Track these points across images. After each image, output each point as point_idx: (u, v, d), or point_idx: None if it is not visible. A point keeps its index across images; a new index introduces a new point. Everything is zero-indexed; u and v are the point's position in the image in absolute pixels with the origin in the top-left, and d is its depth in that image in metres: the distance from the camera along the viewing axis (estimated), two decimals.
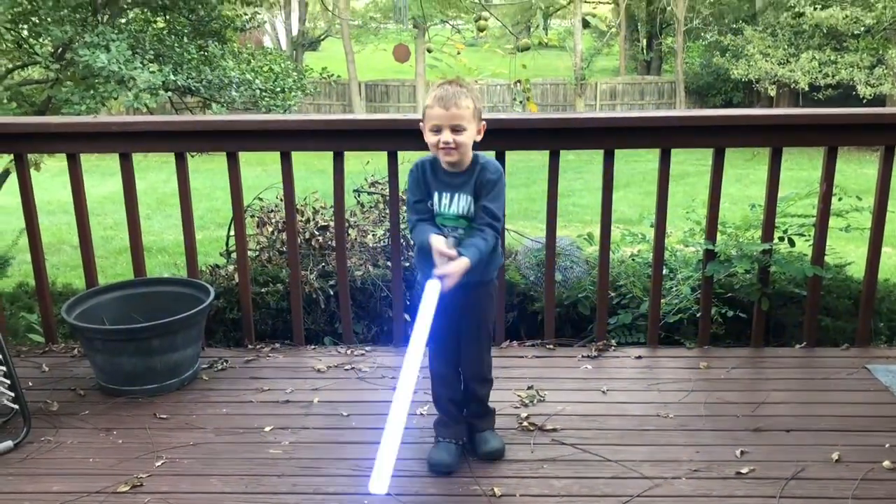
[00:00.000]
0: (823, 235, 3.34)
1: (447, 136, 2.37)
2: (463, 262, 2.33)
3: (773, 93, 21.44)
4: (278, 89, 6.37)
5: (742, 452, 2.64)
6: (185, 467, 2.64)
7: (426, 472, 2.58)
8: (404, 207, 3.39)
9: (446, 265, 2.32)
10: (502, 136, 3.26)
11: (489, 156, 2.57)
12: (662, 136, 3.24)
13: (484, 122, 2.47)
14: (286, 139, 3.31)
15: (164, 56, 5.70)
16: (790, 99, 22.22)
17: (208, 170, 11.96)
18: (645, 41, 32.97)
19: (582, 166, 14.11)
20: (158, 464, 2.66)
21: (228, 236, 4.39)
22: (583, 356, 3.43)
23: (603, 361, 3.39)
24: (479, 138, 2.46)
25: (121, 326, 3.08)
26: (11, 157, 3.63)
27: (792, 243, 3.50)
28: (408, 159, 2.77)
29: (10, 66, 6.16)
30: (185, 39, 5.92)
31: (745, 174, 12.42)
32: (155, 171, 14.54)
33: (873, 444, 2.68)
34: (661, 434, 2.79)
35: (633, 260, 4.25)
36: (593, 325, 3.64)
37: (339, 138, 3.31)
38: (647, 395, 3.08)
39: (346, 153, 3.35)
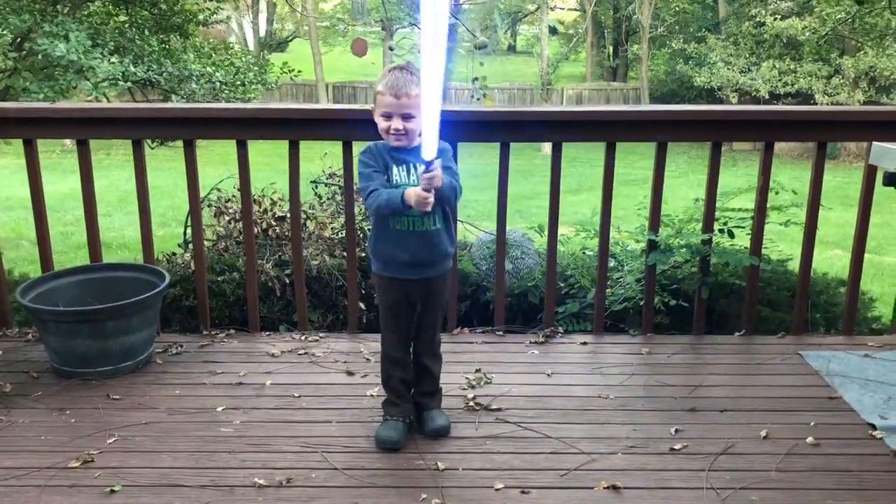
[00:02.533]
0: (761, 227, 3.49)
1: (398, 123, 2.47)
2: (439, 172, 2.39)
3: (734, 100, 21.89)
4: (238, 83, 6.42)
5: (676, 430, 2.77)
6: (136, 444, 2.69)
7: (374, 449, 2.66)
8: (359, 199, 3.48)
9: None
10: (455, 127, 3.37)
11: None
12: (608, 129, 3.36)
13: None
14: (242, 127, 3.38)
15: (125, 48, 5.70)
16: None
17: (171, 168, 11.90)
18: (611, 48, 33.51)
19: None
20: (110, 441, 2.70)
21: (186, 226, 4.43)
22: (531, 342, 3.54)
23: (550, 347, 3.51)
24: None
25: (75, 308, 3.12)
26: None
27: (731, 235, 3.65)
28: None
29: None
30: (147, 32, 5.93)
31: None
32: (118, 169, 14.40)
33: (799, 423, 2.82)
34: (600, 413, 2.90)
35: (583, 253, 4.37)
36: (542, 314, 3.76)
37: (294, 127, 3.38)
38: (590, 378, 3.19)
39: (301, 143, 3.43)
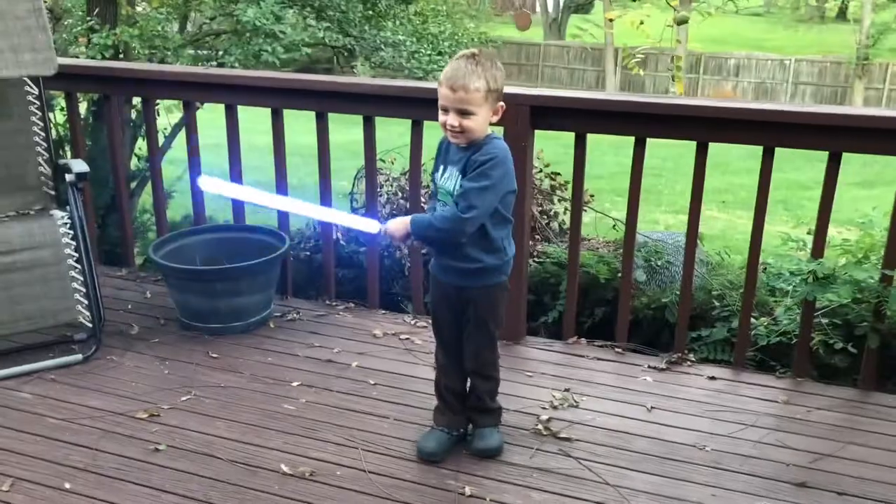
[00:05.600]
0: None
1: (453, 119, 2.21)
2: (403, 224, 2.30)
3: None
4: (429, 53, 6.34)
5: None
6: (203, 406, 2.79)
7: (413, 456, 2.50)
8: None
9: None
10: (583, 116, 3.04)
11: (500, 136, 2.37)
12: (764, 130, 2.80)
13: (502, 104, 2.27)
14: (322, 99, 3.36)
15: (326, 10, 5.86)
16: None
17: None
18: None
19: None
20: (184, 398, 2.83)
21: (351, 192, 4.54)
22: (649, 366, 3.12)
23: (669, 376, 3.06)
24: (494, 119, 2.27)
25: (185, 266, 3.30)
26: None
27: None
28: None
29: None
30: None
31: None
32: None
33: None
34: (683, 467, 2.47)
35: (763, 270, 3.75)
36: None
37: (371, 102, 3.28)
38: (696, 422, 2.73)
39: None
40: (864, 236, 3.06)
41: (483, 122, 2.23)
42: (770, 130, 2.77)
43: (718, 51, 26.47)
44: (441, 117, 2.25)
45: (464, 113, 2.19)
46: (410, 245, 2.32)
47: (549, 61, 27.72)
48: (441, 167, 2.34)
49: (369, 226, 2.36)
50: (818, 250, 2.91)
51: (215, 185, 2.41)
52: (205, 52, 5.96)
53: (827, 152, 2.77)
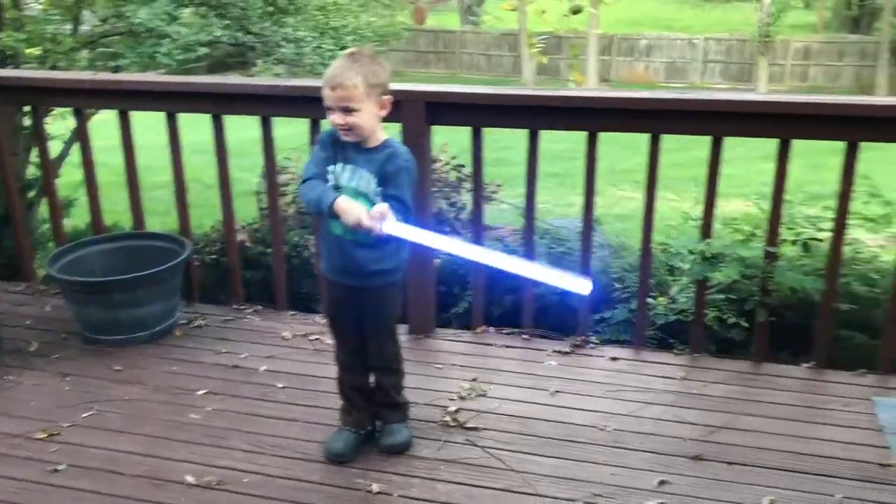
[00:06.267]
0: (839, 241, 2.88)
1: (339, 117, 2.22)
2: (384, 206, 2.18)
3: None
4: (332, 48, 6.30)
5: (662, 482, 2.37)
6: (105, 422, 2.73)
7: (321, 458, 2.51)
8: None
9: (375, 208, 2.17)
10: (478, 110, 3.08)
11: (399, 140, 2.40)
12: (650, 118, 2.89)
13: (388, 97, 2.29)
14: (217, 101, 3.30)
15: (226, 8, 5.75)
16: None
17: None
18: None
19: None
20: (85, 415, 2.77)
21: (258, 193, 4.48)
22: (554, 351, 3.19)
23: (573, 359, 3.14)
24: (382, 114, 2.29)
25: (82, 279, 3.21)
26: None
27: (807, 248, 3.05)
28: None
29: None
30: None
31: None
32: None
33: (822, 494, 2.32)
34: (584, 448, 2.55)
35: (662, 251, 3.88)
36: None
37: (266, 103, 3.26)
38: (597, 403, 2.82)
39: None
40: (748, 216, 3.19)
41: (369, 117, 2.24)
42: (654, 118, 2.86)
43: (630, 32, 27.04)
44: (329, 116, 2.26)
45: (347, 110, 2.21)
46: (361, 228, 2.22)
47: (467, 48, 27.82)
48: (339, 164, 2.32)
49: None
50: (707, 230, 3.02)
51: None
52: (99, 56, 5.76)
53: (710, 136, 2.88)
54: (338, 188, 2.30)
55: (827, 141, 2.88)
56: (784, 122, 2.81)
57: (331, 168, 2.32)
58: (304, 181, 2.32)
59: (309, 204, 2.30)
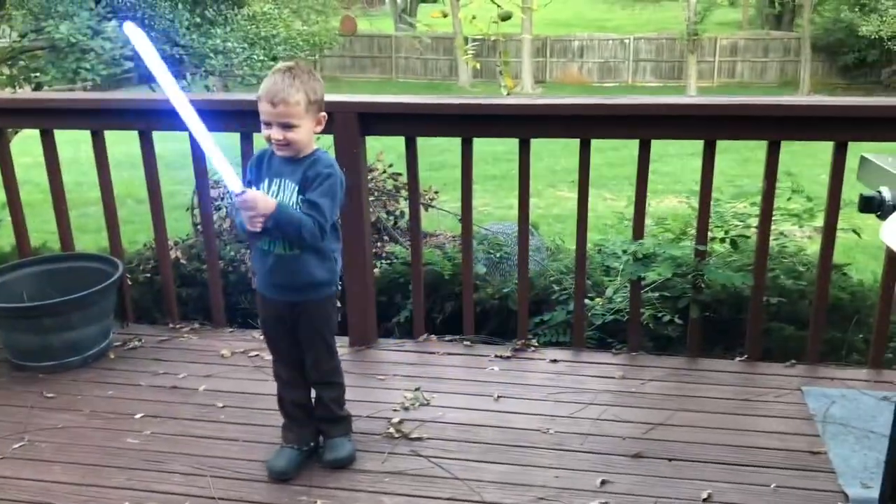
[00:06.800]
0: (765, 237, 2.97)
1: (277, 133, 2.21)
2: (271, 201, 2.18)
3: None
4: (262, 58, 6.25)
5: (603, 482, 2.40)
6: (37, 452, 2.65)
7: (264, 477, 2.48)
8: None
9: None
10: (411, 120, 3.09)
11: (329, 150, 2.39)
12: (579, 124, 2.94)
13: (324, 114, 2.29)
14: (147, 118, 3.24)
15: (153, 19, 5.63)
16: None
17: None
18: None
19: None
20: (17, 446, 2.68)
21: (192, 208, 4.39)
22: (496, 356, 3.22)
23: (514, 363, 3.17)
24: (318, 129, 2.29)
25: (9, 305, 3.12)
26: None
27: (735, 245, 3.14)
28: None
29: None
30: (180, 6, 5.85)
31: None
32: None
33: (756, 484, 2.38)
34: (527, 452, 2.58)
35: (598, 252, 3.94)
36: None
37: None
38: (540, 406, 2.85)
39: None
40: (679, 215, 3.27)
41: (307, 133, 2.24)
42: (580, 123, 2.91)
43: (563, 33, 27.41)
44: (265, 131, 2.25)
45: (287, 126, 2.20)
46: (254, 226, 2.18)
47: (402, 52, 27.83)
48: (266, 181, 2.31)
49: (235, 184, 2.19)
50: (639, 231, 3.09)
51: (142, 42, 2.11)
52: (20, 72, 5.57)
53: (637, 140, 2.95)
54: None
55: (750, 140, 2.97)
56: (709, 124, 2.90)
57: (253, 188, 2.31)
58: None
59: (238, 227, 2.30)
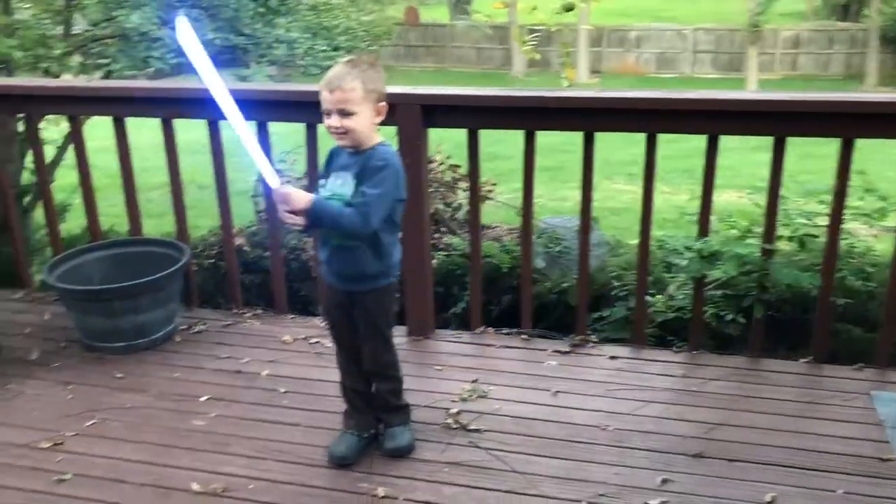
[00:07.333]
0: (835, 237, 2.90)
1: (335, 120, 2.25)
2: (305, 197, 2.23)
3: None
4: (324, 48, 6.30)
5: (664, 481, 2.39)
6: (109, 430, 2.74)
7: (325, 463, 2.52)
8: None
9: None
10: (474, 113, 3.09)
11: (391, 144, 2.40)
12: (646, 118, 2.91)
13: (383, 104, 2.31)
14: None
15: (218, 10, 5.73)
16: None
17: None
18: None
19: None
20: (89, 423, 2.77)
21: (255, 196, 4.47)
22: (554, 351, 3.21)
23: (572, 359, 3.16)
24: (377, 120, 2.31)
25: (82, 287, 3.21)
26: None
27: (802, 244, 3.07)
28: None
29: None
30: None
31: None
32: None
33: (823, 490, 2.34)
34: (587, 449, 2.57)
35: (661, 247, 3.89)
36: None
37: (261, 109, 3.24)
38: (598, 403, 2.84)
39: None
40: (744, 212, 3.21)
41: (365, 121, 2.26)
42: (650, 118, 2.88)
43: (620, 24, 27.03)
44: (325, 121, 2.29)
45: (344, 113, 2.23)
46: (296, 224, 2.24)
47: (457, 41, 27.78)
48: (332, 175, 2.36)
49: (273, 179, 2.27)
50: (704, 229, 3.04)
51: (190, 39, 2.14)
52: (91, 60, 5.74)
53: (706, 135, 2.90)
54: (332, 196, 2.33)
55: (822, 138, 2.90)
56: (779, 120, 2.83)
57: (322, 181, 2.36)
58: None
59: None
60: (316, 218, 2.24)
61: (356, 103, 2.22)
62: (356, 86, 2.21)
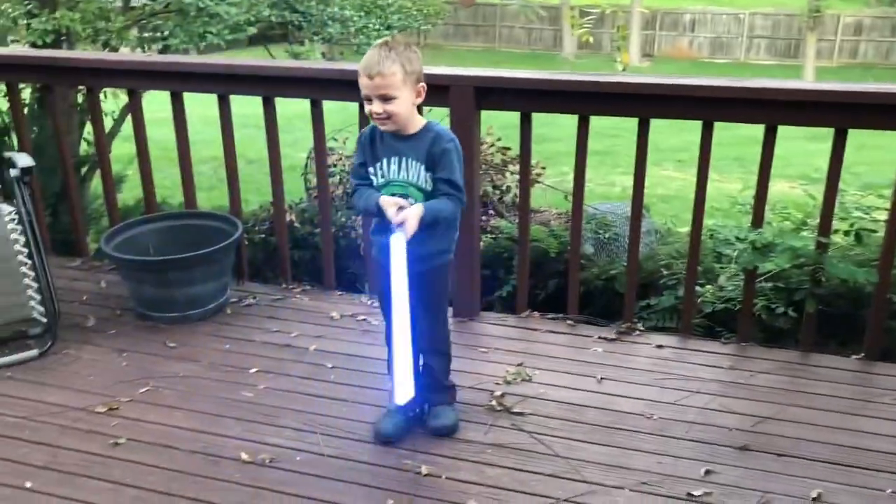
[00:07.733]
0: (894, 232, 2.83)
1: (377, 106, 2.26)
2: (418, 208, 2.27)
3: None
4: (377, 28, 6.30)
5: (708, 472, 2.38)
6: (162, 397, 2.82)
7: (370, 438, 2.56)
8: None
9: (402, 211, 2.27)
10: (527, 96, 3.08)
11: (438, 122, 2.42)
12: (703, 106, 2.86)
13: (422, 84, 2.32)
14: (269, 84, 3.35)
15: None
16: None
17: None
18: None
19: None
20: (143, 390, 2.85)
21: (305, 175, 4.53)
22: (599, 337, 3.21)
23: (618, 346, 3.15)
24: (418, 101, 2.33)
25: (138, 258, 3.30)
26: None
27: (859, 239, 3.01)
28: None
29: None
30: None
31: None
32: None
33: (872, 489, 2.31)
34: (631, 436, 2.57)
35: (711, 237, 3.84)
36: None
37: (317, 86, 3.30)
38: (643, 391, 2.83)
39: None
40: (799, 204, 3.15)
41: (406, 104, 2.28)
42: (707, 106, 2.84)
43: (674, 6, 26.55)
44: (367, 107, 2.31)
45: (386, 98, 2.24)
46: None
47: (506, 21, 27.57)
48: (384, 160, 2.37)
49: (402, 246, 2.27)
50: (758, 220, 3.00)
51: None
52: (148, 33, 5.85)
53: (763, 125, 2.85)
54: (389, 183, 2.35)
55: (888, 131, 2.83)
56: (841, 111, 2.77)
57: (372, 168, 2.38)
58: (354, 192, 2.40)
59: (365, 212, 2.43)
60: (430, 221, 2.31)
61: (397, 87, 2.23)
62: (396, 69, 2.21)
